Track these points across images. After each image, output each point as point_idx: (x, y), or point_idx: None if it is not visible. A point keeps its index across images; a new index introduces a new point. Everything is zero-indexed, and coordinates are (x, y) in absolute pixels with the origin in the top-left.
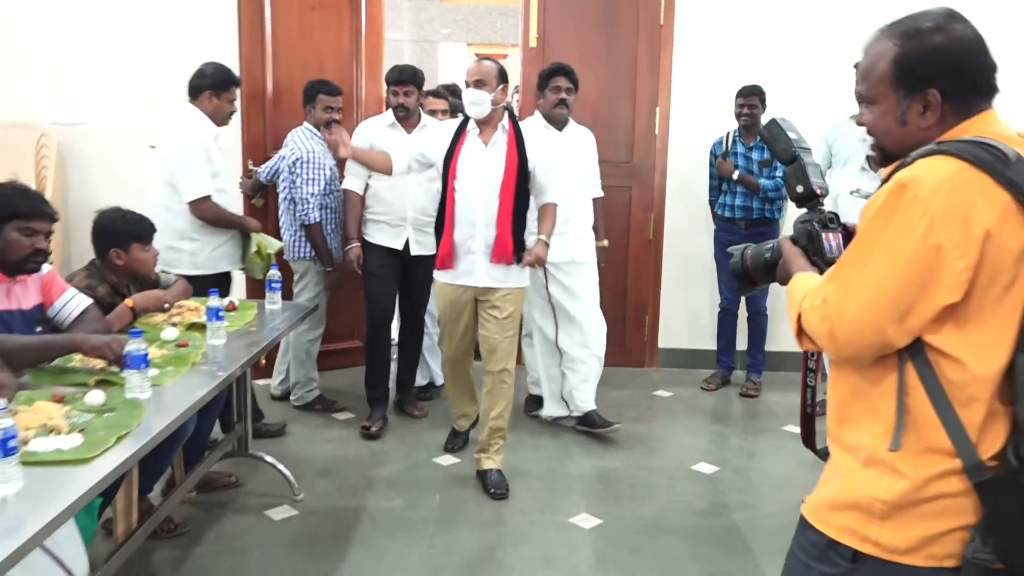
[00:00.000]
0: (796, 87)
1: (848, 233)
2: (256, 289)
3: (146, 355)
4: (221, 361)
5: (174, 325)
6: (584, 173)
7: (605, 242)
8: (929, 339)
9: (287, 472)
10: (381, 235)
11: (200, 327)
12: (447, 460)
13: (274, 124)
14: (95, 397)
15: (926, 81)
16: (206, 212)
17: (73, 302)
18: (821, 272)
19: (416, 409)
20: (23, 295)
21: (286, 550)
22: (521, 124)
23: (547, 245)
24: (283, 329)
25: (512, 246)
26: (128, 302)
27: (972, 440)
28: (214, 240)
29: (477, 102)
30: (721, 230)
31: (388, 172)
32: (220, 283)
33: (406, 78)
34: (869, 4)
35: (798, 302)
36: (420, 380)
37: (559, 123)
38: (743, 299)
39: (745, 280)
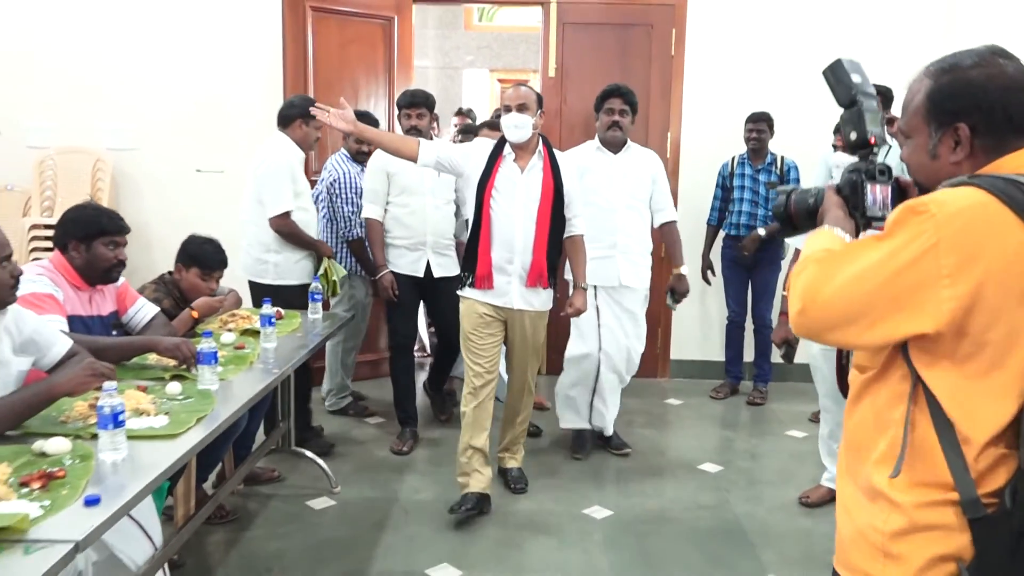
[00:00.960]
0: (799, 114)
1: (900, 188)
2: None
3: (216, 353)
4: (274, 361)
5: (230, 331)
6: (638, 197)
7: (683, 269)
8: (924, 375)
9: (326, 467)
10: (402, 261)
11: (253, 333)
12: None
13: (317, 150)
14: (174, 387)
15: (955, 115)
16: (283, 227)
17: (144, 310)
18: (857, 228)
19: (443, 414)
20: (102, 303)
21: (326, 535)
22: (573, 148)
23: (584, 291)
24: (324, 336)
25: (548, 270)
26: (193, 313)
27: (972, 476)
28: (295, 254)
29: (520, 125)
30: (728, 247)
31: (413, 157)
32: (303, 293)
33: (418, 101)
34: (868, 36)
35: (802, 261)
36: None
37: (614, 146)
38: (749, 312)
39: (787, 223)
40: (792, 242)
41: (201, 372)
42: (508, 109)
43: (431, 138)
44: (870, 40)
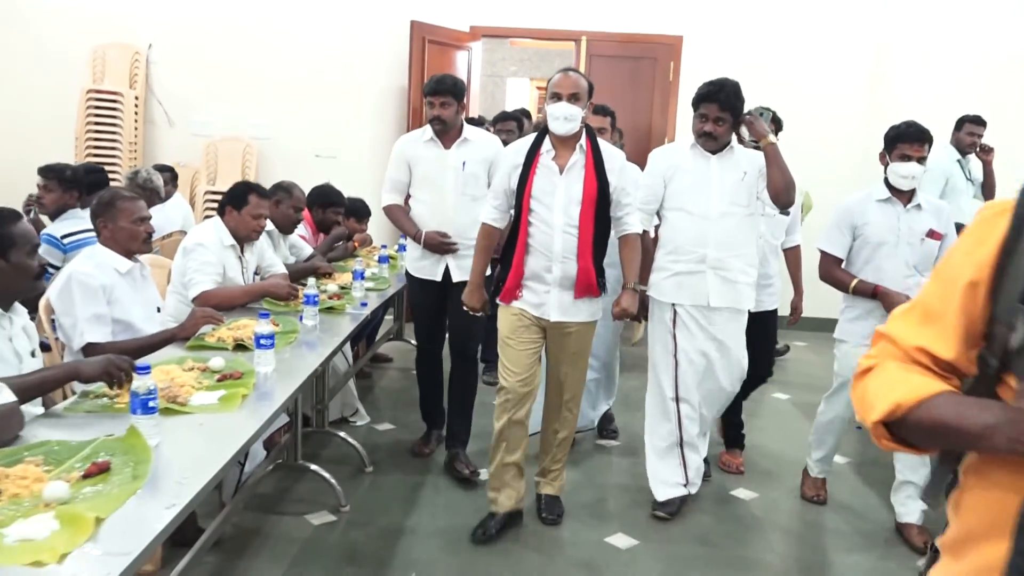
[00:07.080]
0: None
1: None
2: None
3: (364, 271)
4: (368, 302)
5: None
6: (739, 203)
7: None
8: None
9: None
10: (419, 264)
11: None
12: None
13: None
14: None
15: None
16: None
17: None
18: None
19: (466, 467)
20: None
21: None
22: (665, 146)
23: (635, 292)
24: (399, 288)
25: (596, 279)
26: (355, 243)
27: None
28: None
29: (570, 117)
30: None
31: (496, 231)
32: None
33: (443, 88)
34: (814, 63)
35: None
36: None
37: (712, 148)
38: None
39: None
40: None
41: (355, 287)
42: (557, 97)
43: (460, 129)
44: (815, 66)
